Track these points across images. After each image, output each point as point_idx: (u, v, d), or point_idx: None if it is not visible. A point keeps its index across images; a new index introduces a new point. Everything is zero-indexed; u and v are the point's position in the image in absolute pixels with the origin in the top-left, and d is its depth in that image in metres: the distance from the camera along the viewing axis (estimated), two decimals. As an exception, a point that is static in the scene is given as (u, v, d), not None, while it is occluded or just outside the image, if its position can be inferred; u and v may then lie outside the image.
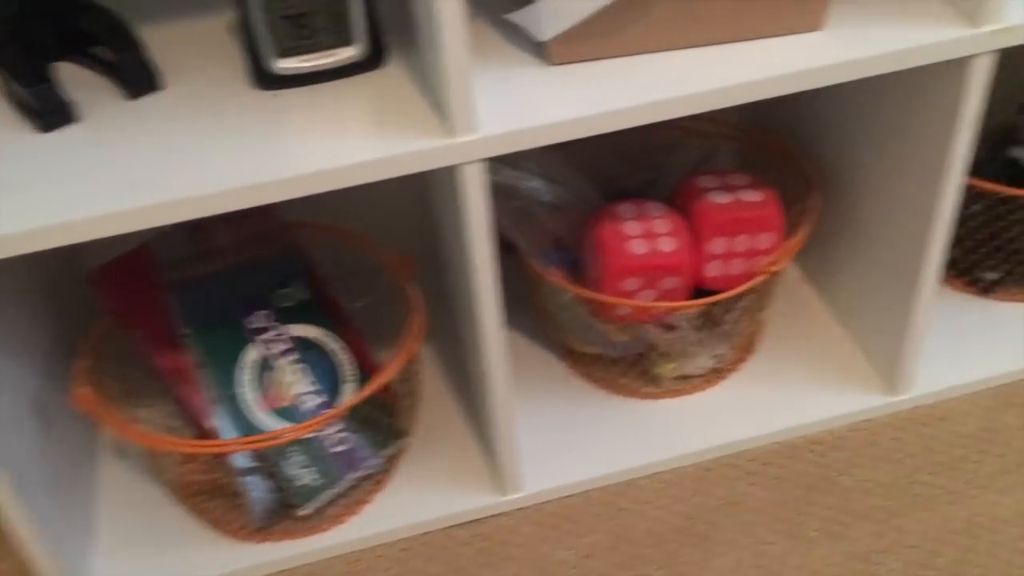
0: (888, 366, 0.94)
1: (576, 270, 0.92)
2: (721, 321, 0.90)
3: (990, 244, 0.99)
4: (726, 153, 0.99)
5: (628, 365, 0.95)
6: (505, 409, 0.82)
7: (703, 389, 0.96)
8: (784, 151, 0.96)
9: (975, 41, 0.71)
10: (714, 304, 0.86)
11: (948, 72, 0.74)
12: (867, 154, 0.89)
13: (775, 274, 0.87)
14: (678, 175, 0.96)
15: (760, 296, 0.90)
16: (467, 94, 0.63)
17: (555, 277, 0.88)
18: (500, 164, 0.85)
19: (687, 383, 0.96)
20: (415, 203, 1.05)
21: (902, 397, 0.94)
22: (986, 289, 1.03)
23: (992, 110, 1.13)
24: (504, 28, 0.73)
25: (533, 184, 0.87)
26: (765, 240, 0.87)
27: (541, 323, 0.99)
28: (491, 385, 0.80)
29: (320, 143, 0.66)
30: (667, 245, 0.85)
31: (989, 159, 1.06)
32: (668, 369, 0.94)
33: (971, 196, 0.96)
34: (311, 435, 0.84)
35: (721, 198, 0.87)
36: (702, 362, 0.94)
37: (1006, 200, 0.94)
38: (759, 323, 0.98)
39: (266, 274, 0.89)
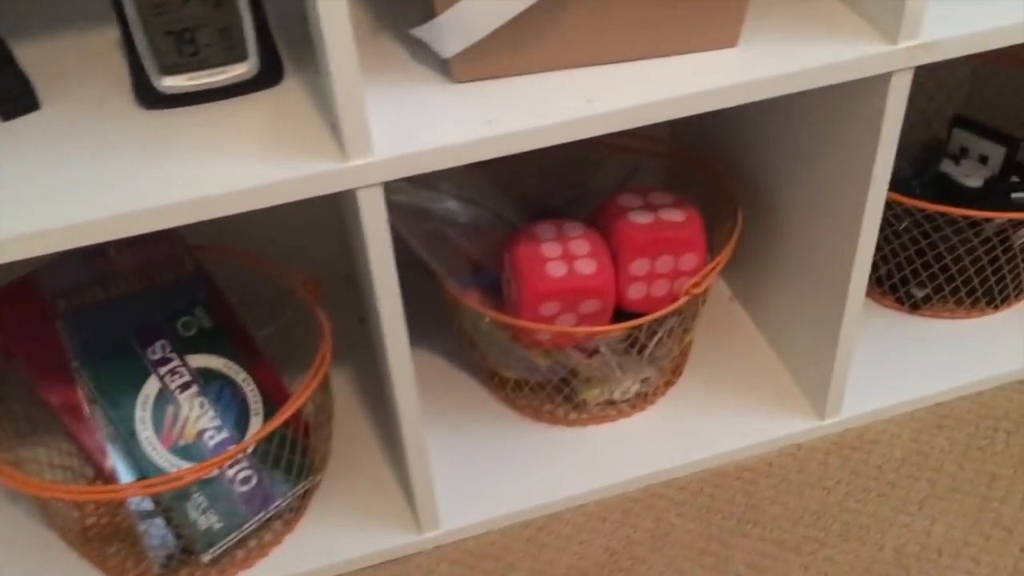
0: (817, 389, 0.92)
1: (496, 293, 0.88)
2: (645, 345, 0.86)
3: (919, 261, 0.97)
4: (653, 169, 0.96)
5: (552, 391, 0.91)
6: (416, 444, 0.78)
7: (630, 415, 0.93)
8: (710, 168, 0.94)
9: (893, 58, 0.68)
10: (636, 328, 0.83)
11: (867, 88, 0.71)
12: (791, 170, 0.87)
13: (698, 296, 0.84)
14: (603, 192, 0.93)
15: (684, 318, 0.87)
16: (359, 115, 0.59)
17: (472, 301, 0.84)
18: (412, 185, 0.81)
19: (613, 409, 0.93)
20: (334, 222, 1.01)
21: (831, 420, 0.92)
22: (915, 306, 1.01)
23: (922, 124, 1.13)
24: (412, 43, 0.70)
25: (448, 205, 0.83)
26: (688, 261, 0.84)
27: (462, 347, 0.96)
28: (401, 417, 0.76)
29: (206, 167, 0.62)
30: (586, 267, 0.81)
31: (919, 173, 1.05)
32: (593, 395, 0.91)
33: (899, 212, 0.94)
34: (214, 474, 0.80)
35: (642, 218, 0.84)
36: (628, 387, 0.91)
37: (933, 216, 0.92)
38: (685, 345, 0.96)
39: (166, 301, 0.84)
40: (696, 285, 0.82)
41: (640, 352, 0.87)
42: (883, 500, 0.87)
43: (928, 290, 0.99)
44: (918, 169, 1.05)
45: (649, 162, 0.97)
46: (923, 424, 0.93)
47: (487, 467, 0.89)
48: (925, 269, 0.97)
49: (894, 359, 0.97)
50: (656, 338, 0.86)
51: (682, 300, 0.83)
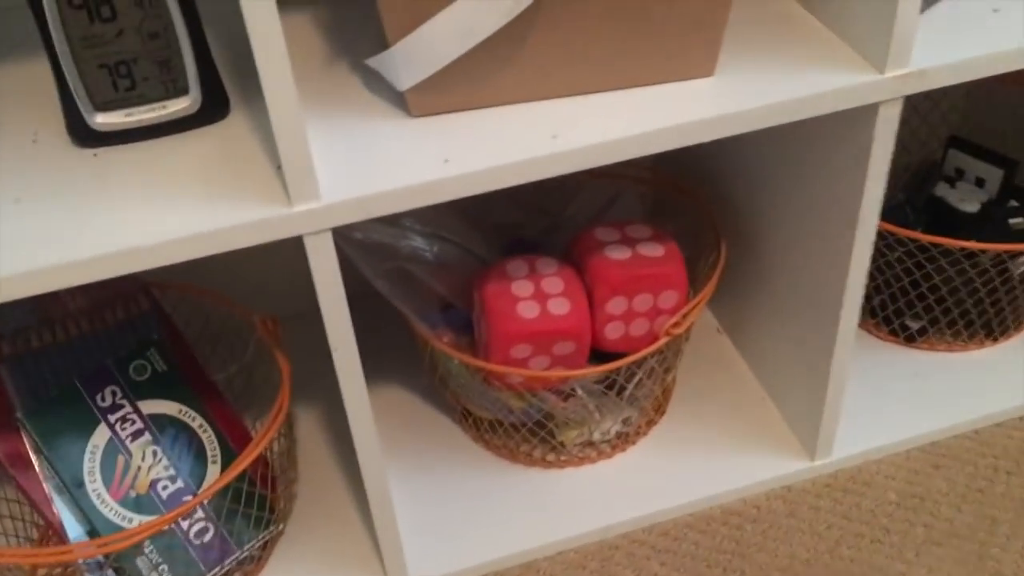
0: (807, 427, 0.87)
1: (468, 330, 0.84)
2: (624, 386, 0.82)
3: (913, 292, 0.92)
4: (633, 196, 0.92)
5: (528, 432, 0.87)
6: (379, 491, 0.74)
7: (610, 456, 0.89)
8: (694, 196, 0.89)
9: (880, 87, 0.64)
10: (614, 371, 0.79)
11: (854, 119, 0.67)
12: (778, 199, 0.82)
13: (679, 336, 0.80)
14: (581, 221, 0.89)
15: (665, 358, 0.83)
16: (302, 158, 0.55)
17: (441, 342, 0.80)
18: (373, 221, 0.76)
19: (593, 450, 0.88)
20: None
21: (823, 461, 0.87)
22: (910, 338, 0.96)
23: (916, 145, 1.08)
24: (369, 73, 0.65)
25: (412, 242, 0.79)
26: (668, 299, 0.79)
27: (434, 385, 0.91)
28: (362, 463, 0.72)
29: (138, 214, 0.58)
30: (560, 307, 0.77)
31: (913, 197, 1.00)
32: (571, 436, 0.86)
33: (891, 242, 0.90)
34: (167, 528, 0.75)
35: (620, 253, 0.79)
36: (608, 428, 0.87)
37: (927, 247, 0.88)
38: (668, 384, 0.91)
39: (118, 343, 0.80)
40: (676, 325, 0.78)
41: (619, 394, 0.82)
42: (877, 547, 0.82)
43: (924, 322, 0.95)
44: (912, 193, 1.01)
45: (630, 188, 0.92)
46: (919, 464, 0.88)
47: (459, 511, 0.85)
48: (920, 300, 0.93)
49: (888, 395, 0.92)
50: (635, 379, 0.81)
51: (662, 341, 0.78)
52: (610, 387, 0.82)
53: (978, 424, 0.90)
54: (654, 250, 0.79)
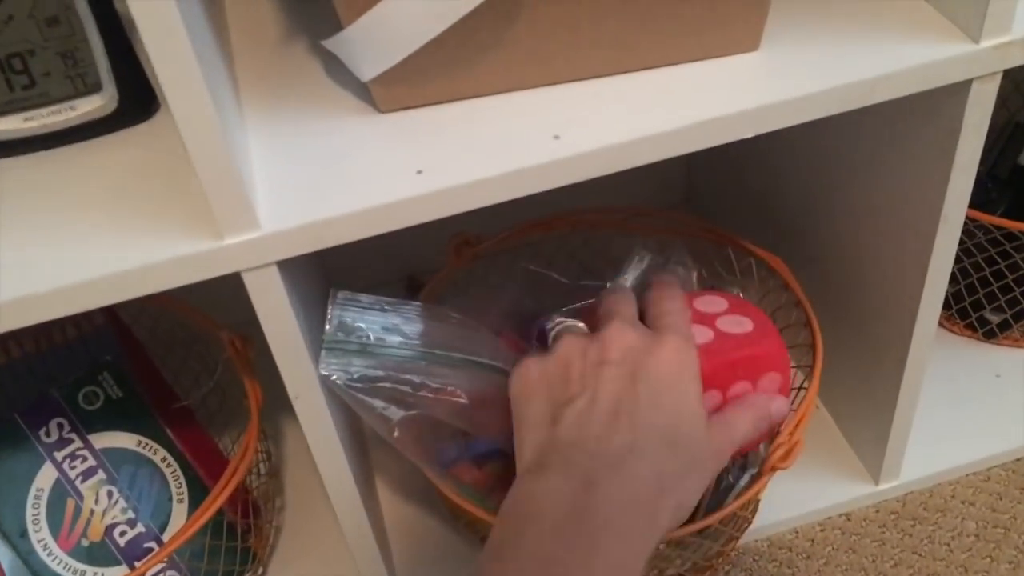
0: (872, 445, 0.75)
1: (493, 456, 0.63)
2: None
3: (995, 283, 0.79)
4: (679, 253, 0.69)
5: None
6: (365, 551, 0.63)
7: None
8: (763, 256, 0.71)
9: (975, 60, 0.50)
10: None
11: (941, 99, 0.53)
12: (843, 199, 0.68)
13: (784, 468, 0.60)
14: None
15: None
16: (229, 182, 0.43)
17: (465, 481, 0.62)
18: (357, 354, 0.55)
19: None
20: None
21: (889, 484, 0.75)
22: (990, 333, 0.83)
23: (996, 105, 0.93)
24: (331, 58, 0.52)
25: (430, 377, 0.57)
26: (770, 382, 0.57)
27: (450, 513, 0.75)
28: (346, 533, 0.61)
29: (30, 251, 0.46)
30: None
31: (995, 168, 0.86)
32: None
33: (971, 227, 0.76)
34: (126, 581, 0.66)
35: (699, 336, 0.57)
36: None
37: (1013, 233, 0.74)
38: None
39: (66, 366, 0.70)
40: (784, 459, 0.58)
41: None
42: (953, 589, 0.70)
43: (1007, 315, 0.81)
44: (995, 162, 0.86)
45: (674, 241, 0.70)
46: (1003, 486, 0.76)
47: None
48: (1003, 292, 0.79)
49: (966, 402, 0.80)
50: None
51: (764, 478, 0.60)
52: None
53: (1072, 436, 0.77)
54: (741, 325, 0.59)
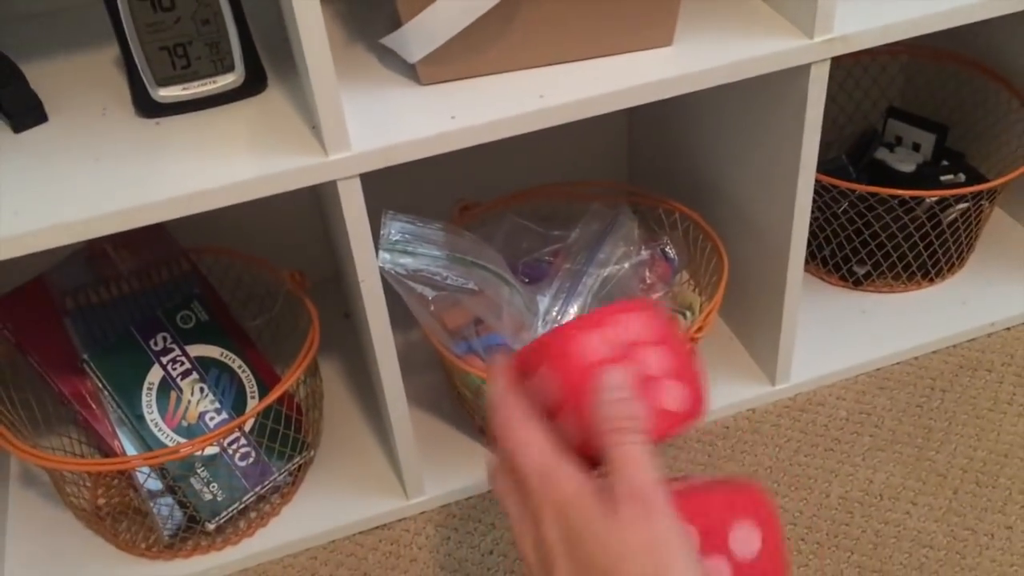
0: (768, 358, 1.00)
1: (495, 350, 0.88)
2: None
3: (858, 240, 1.05)
4: (627, 218, 0.96)
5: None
6: (401, 422, 0.86)
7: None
8: (681, 210, 0.99)
9: (810, 50, 0.77)
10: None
11: (790, 79, 0.80)
12: (734, 164, 0.95)
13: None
14: (584, 244, 0.95)
15: None
16: (337, 114, 0.67)
17: (475, 367, 0.84)
18: (403, 253, 0.80)
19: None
20: (318, 228, 1.09)
21: (782, 386, 1.00)
22: (857, 282, 1.09)
23: (859, 116, 1.22)
24: (382, 51, 0.78)
25: (440, 270, 0.81)
26: None
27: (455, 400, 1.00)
28: (386, 391, 0.84)
29: (200, 165, 0.70)
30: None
31: (857, 160, 1.13)
32: None
33: (837, 195, 1.03)
34: (215, 451, 0.87)
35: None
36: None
37: (867, 199, 1.01)
38: None
39: (165, 298, 0.92)
40: (699, 330, 0.85)
41: None
42: (829, 454, 0.95)
43: (868, 267, 1.08)
44: (855, 157, 1.14)
45: (624, 211, 0.98)
46: (866, 387, 1.01)
47: (467, 444, 0.97)
48: (864, 248, 1.06)
49: (839, 330, 1.05)
50: None
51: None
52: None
53: (917, 352, 1.03)
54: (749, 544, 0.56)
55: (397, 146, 0.70)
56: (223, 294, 0.98)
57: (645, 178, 1.16)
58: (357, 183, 0.71)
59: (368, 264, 0.75)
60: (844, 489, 0.92)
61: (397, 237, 0.79)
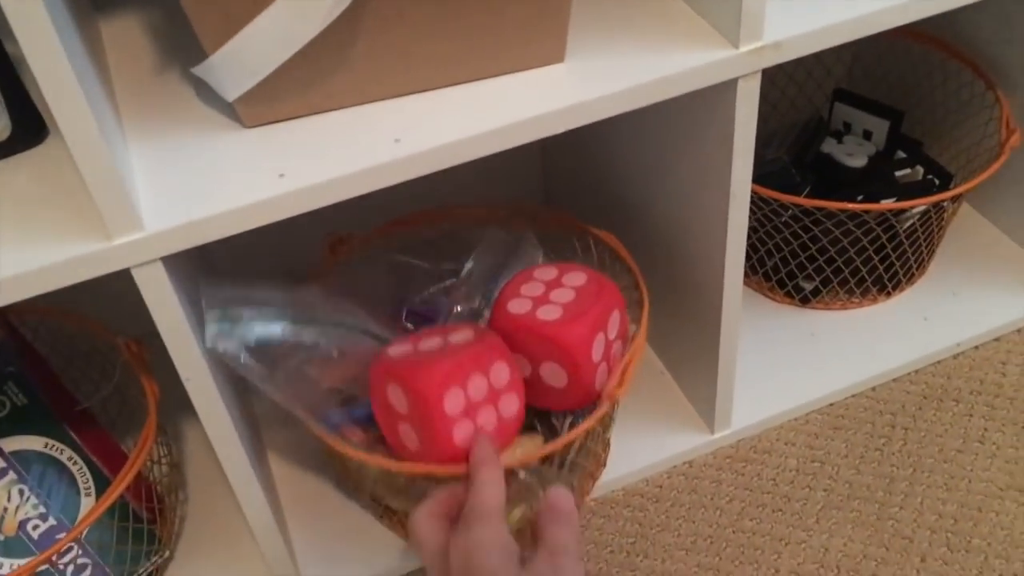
0: (705, 400, 0.86)
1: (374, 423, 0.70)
2: (565, 457, 0.75)
3: (803, 254, 0.91)
4: (532, 243, 0.81)
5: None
6: (261, 519, 0.71)
7: (508, 447, 0.86)
8: (593, 232, 0.83)
9: (736, 63, 0.61)
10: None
11: (715, 95, 0.64)
12: (657, 186, 0.79)
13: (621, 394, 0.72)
14: (484, 275, 0.80)
15: (608, 417, 0.76)
16: (116, 190, 0.51)
17: (352, 442, 0.69)
18: (232, 329, 0.63)
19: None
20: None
21: (722, 433, 0.86)
22: (805, 299, 0.96)
23: (802, 101, 1.07)
24: (201, 81, 0.60)
25: (303, 336, 0.67)
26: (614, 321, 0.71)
27: (350, 490, 0.84)
28: (242, 504, 0.68)
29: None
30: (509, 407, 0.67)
31: (801, 156, 0.99)
32: (515, 516, 0.76)
33: (777, 207, 0.88)
34: (43, 569, 0.72)
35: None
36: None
37: (811, 211, 0.86)
38: (607, 441, 0.85)
39: (-28, 380, 0.76)
40: (619, 386, 0.71)
41: (561, 467, 0.74)
42: (778, 516, 0.82)
43: (817, 283, 0.94)
44: (799, 152, 0.99)
45: (528, 235, 0.82)
46: (818, 427, 0.88)
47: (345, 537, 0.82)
48: (811, 262, 0.92)
49: (785, 358, 0.92)
50: (576, 446, 0.75)
51: (604, 406, 0.71)
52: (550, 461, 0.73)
53: (875, 381, 0.90)
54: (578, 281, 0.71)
55: (207, 221, 0.54)
56: (56, 361, 0.81)
57: (563, 199, 1.00)
58: (159, 268, 0.55)
59: (191, 360, 0.59)
60: (796, 561, 0.78)
61: (221, 312, 0.62)
